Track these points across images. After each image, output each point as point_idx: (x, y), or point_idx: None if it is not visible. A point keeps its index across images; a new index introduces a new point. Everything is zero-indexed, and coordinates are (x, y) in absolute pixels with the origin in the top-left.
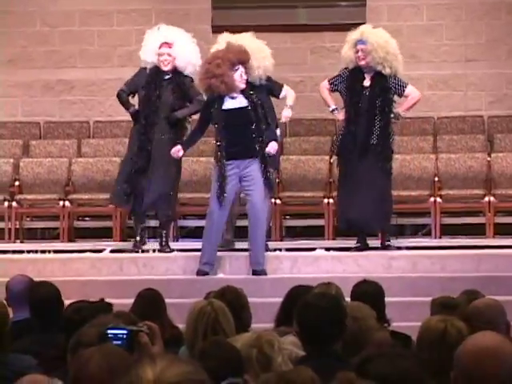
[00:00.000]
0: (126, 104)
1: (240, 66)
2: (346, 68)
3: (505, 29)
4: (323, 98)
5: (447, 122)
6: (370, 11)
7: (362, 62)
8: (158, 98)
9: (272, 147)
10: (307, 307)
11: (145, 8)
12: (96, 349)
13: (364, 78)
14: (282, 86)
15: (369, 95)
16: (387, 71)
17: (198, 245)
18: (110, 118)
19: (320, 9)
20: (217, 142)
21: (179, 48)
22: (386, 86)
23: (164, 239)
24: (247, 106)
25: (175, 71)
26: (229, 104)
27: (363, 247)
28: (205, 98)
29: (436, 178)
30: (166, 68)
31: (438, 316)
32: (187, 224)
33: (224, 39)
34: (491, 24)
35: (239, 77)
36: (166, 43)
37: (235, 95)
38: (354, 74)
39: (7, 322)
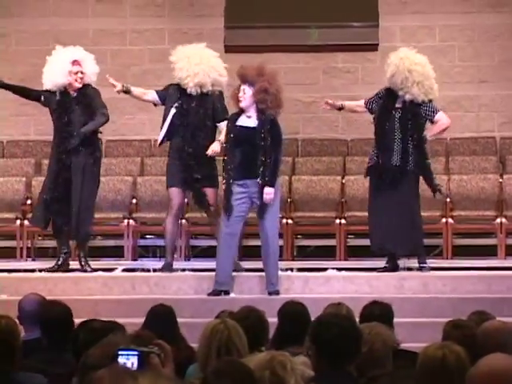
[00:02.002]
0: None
1: (242, 84)
2: (385, 88)
3: None
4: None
5: (459, 143)
6: (382, 32)
7: (387, 85)
8: (68, 123)
9: (267, 195)
10: (326, 325)
11: (158, 27)
12: (106, 370)
13: (397, 99)
14: (224, 117)
15: (399, 117)
16: (407, 97)
17: (208, 264)
18: (123, 137)
19: (332, 29)
20: (225, 159)
21: (88, 65)
22: (416, 112)
23: (83, 259)
24: (255, 127)
25: (81, 87)
26: (241, 121)
27: (392, 268)
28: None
29: (448, 199)
30: (78, 85)
31: (435, 343)
32: (198, 244)
33: (177, 52)
34: (503, 45)
35: (241, 95)
36: (76, 61)
37: (250, 114)
38: (389, 93)
39: (18, 338)
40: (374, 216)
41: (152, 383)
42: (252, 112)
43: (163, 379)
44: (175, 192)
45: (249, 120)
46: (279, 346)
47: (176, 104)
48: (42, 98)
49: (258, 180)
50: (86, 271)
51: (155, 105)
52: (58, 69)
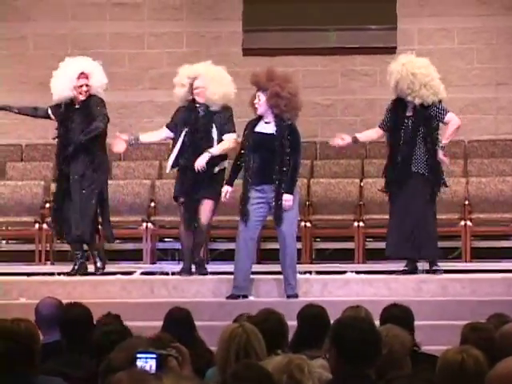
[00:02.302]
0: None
1: (257, 91)
2: (391, 101)
3: None
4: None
5: (478, 145)
6: (400, 35)
7: (403, 96)
8: (67, 131)
9: (287, 202)
10: (347, 327)
11: (176, 31)
12: (124, 373)
13: (407, 107)
14: (230, 130)
15: (411, 124)
16: (417, 101)
17: (227, 267)
18: None
19: (350, 32)
20: (244, 163)
21: (96, 78)
22: (428, 115)
23: (97, 258)
24: (273, 134)
25: (85, 99)
26: (260, 127)
27: (411, 271)
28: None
29: (466, 202)
30: (83, 98)
31: (454, 347)
32: (217, 247)
33: (182, 70)
34: None
35: (256, 101)
36: (83, 74)
37: (269, 120)
38: (397, 103)
39: (38, 342)
40: (391, 222)
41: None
42: (270, 118)
43: (185, 380)
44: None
45: (267, 126)
46: (298, 349)
47: (185, 127)
48: (50, 113)
49: (273, 187)
50: (98, 269)
51: (172, 139)
52: (64, 83)
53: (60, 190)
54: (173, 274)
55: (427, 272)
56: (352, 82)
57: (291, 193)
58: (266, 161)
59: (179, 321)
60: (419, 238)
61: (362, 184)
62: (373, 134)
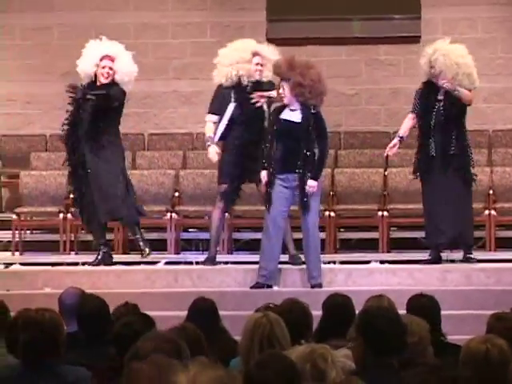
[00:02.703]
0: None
1: (280, 81)
2: (421, 84)
3: None
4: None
5: (502, 134)
6: (424, 24)
7: (434, 80)
8: (78, 109)
9: (311, 188)
10: (375, 317)
11: (200, 21)
12: (146, 361)
13: (438, 91)
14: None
15: (444, 108)
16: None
17: (251, 257)
18: (165, 130)
19: (374, 21)
20: (268, 150)
21: (121, 63)
22: (459, 98)
23: (139, 242)
24: (299, 122)
25: (108, 84)
26: (286, 115)
27: (434, 260)
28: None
29: (491, 191)
30: (104, 81)
31: (478, 337)
32: (241, 237)
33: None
34: None
35: (282, 91)
36: (107, 56)
37: (295, 108)
38: (428, 87)
39: (62, 332)
40: (428, 208)
41: (200, 371)
42: (296, 105)
43: (211, 368)
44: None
45: (293, 114)
46: (322, 338)
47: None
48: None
49: (297, 172)
50: (142, 254)
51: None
52: (88, 59)
53: (78, 178)
54: (197, 263)
55: (453, 261)
56: (376, 71)
57: (316, 179)
58: (289, 149)
59: (204, 311)
60: (460, 225)
61: (386, 173)
62: (409, 122)
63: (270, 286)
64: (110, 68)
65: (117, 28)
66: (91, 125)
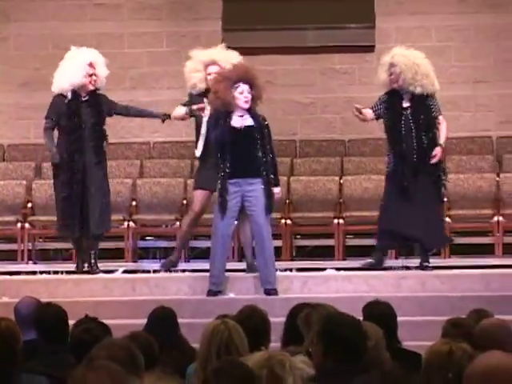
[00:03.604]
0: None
1: (241, 84)
2: (385, 93)
3: None
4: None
5: (456, 142)
6: (378, 33)
7: (395, 85)
8: (80, 124)
9: (278, 195)
10: (337, 324)
11: (156, 31)
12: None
13: (402, 99)
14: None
15: (411, 115)
16: (418, 90)
17: (208, 265)
18: (122, 139)
19: (329, 30)
20: (220, 158)
21: (100, 69)
22: (427, 104)
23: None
24: (253, 126)
25: (92, 91)
26: (235, 122)
27: (376, 263)
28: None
29: (445, 199)
30: (92, 88)
31: (441, 339)
32: (198, 245)
33: (195, 54)
34: (500, 45)
35: (239, 94)
36: (91, 63)
37: (242, 113)
38: (392, 96)
39: (19, 340)
40: (388, 211)
41: (156, 381)
42: (242, 111)
43: (166, 378)
44: (202, 195)
45: (242, 119)
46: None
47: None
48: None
49: (261, 177)
50: (95, 272)
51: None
52: (76, 69)
53: (74, 182)
54: (154, 271)
55: (407, 268)
56: (331, 80)
57: (279, 185)
58: (241, 154)
59: (163, 320)
60: (422, 229)
61: (341, 181)
62: (372, 114)
63: (219, 292)
64: (95, 74)
65: (74, 38)
66: (95, 137)
